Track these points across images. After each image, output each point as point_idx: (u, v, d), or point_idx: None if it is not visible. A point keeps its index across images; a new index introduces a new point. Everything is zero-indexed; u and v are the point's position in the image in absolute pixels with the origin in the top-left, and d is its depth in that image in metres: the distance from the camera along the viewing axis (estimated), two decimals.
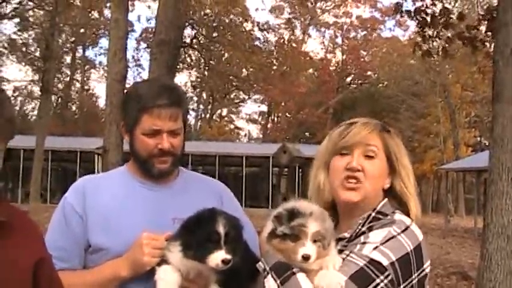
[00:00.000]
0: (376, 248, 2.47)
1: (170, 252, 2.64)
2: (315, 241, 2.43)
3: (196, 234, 2.56)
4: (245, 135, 76.18)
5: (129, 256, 2.75)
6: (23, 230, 2.41)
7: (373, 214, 2.65)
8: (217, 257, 2.51)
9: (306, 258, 2.41)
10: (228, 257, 2.51)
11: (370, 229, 2.58)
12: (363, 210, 2.67)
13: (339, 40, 65.58)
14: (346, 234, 2.66)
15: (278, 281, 2.41)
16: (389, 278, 2.42)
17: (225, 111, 72.75)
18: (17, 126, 2.44)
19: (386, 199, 2.70)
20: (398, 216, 2.63)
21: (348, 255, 2.50)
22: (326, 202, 2.76)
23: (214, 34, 41.84)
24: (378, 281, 2.40)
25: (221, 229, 2.55)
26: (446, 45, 14.06)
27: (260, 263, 2.54)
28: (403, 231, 2.54)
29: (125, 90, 3.45)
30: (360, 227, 2.63)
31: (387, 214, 2.64)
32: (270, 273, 2.45)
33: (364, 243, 2.52)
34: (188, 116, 3.11)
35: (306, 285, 2.41)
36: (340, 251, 2.57)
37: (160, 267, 2.63)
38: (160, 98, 2.90)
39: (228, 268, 2.52)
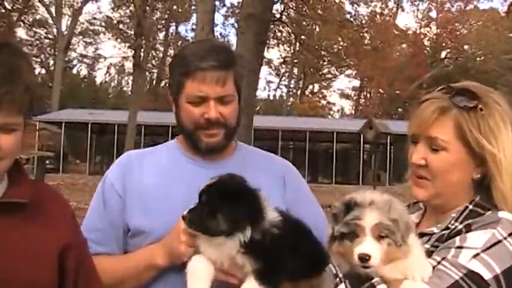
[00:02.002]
0: (476, 255, 2.04)
1: (199, 239, 2.38)
2: (380, 237, 2.01)
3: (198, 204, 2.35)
4: (338, 111, 75.46)
5: (166, 243, 2.50)
6: (49, 214, 2.25)
7: (471, 207, 2.23)
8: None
9: (363, 259, 1.98)
10: (185, 213, 2.29)
11: (468, 228, 2.14)
12: (446, 206, 2.28)
13: (433, 13, 63.51)
14: (435, 229, 2.25)
15: None
16: None
17: (316, 87, 72.15)
18: (36, 97, 2.23)
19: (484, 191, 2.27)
20: (505, 214, 2.17)
21: (439, 263, 2.08)
22: None
23: (304, 8, 41.15)
24: None
25: (201, 187, 2.33)
26: None
27: (331, 266, 2.16)
28: (511, 235, 2.09)
29: None
30: (453, 222, 2.21)
31: (489, 208, 2.20)
32: (344, 283, 2.07)
33: (460, 247, 2.08)
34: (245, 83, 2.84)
35: None
36: (429, 253, 2.15)
37: (192, 257, 2.37)
38: (205, 59, 2.58)
39: (267, 258, 2.24)
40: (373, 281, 2.02)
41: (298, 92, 68.55)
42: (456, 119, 2.21)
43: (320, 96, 72.63)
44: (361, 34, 52.10)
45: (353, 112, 70.07)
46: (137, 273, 2.56)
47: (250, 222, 2.26)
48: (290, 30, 48.09)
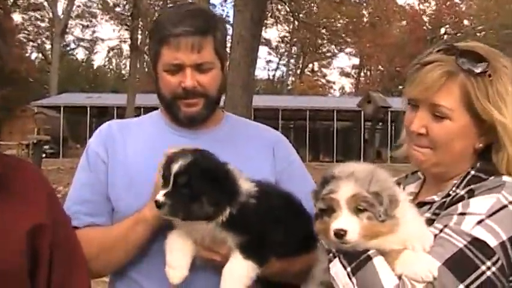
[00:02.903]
0: (480, 222, 1.89)
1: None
2: (359, 210, 1.87)
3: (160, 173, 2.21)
4: (339, 89, 75.41)
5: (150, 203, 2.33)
6: (20, 191, 2.10)
7: (473, 172, 2.07)
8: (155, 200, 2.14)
9: (339, 234, 1.86)
10: (159, 198, 2.11)
11: (470, 194, 1.98)
12: (447, 175, 2.11)
13: None
14: (436, 198, 2.09)
15: (348, 268, 1.90)
16: (499, 264, 1.84)
17: (316, 66, 71.99)
18: (8, 69, 2.09)
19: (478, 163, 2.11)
20: (509, 178, 2.01)
21: (441, 231, 1.92)
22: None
23: None
24: (483, 268, 1.83)
25: (173, 167, 2.15)
26: None
27: (323, 241, 2.01)
28: None
29: None
30: (454, 189, 2.04)
31: (492, 173, 2.03)
32: (338, 258, 1.93)
33: (463, 214, 1.93)
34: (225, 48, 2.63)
35: (385, 275, 1.87)
36: (430, 222, 1.99)
37: (169, 234, 2.27)
38: (179, 25, 2.43)
39: (249, 231, 2.15)
40: (369, 252, 1.91)
41: (298, 72, 68.33)
42: (463, 85, 2.03)
43: (320, 74, 72.64)
44: (360, 11, 51.94)
45: (353, 90, 69.96)
46: (126, 233, 2.40)
47: (229, 201, 2.16)
48: (288, 9, 47.85)
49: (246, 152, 2.39)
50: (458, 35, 61.02)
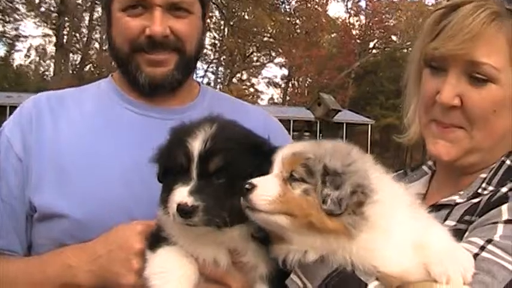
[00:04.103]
0: None
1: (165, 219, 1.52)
2: (293, 178, 1.37)
3: (161, 162, 1.50)
4: (268, 100, 75.63)
5: (100, 258, 1.64)
6: None
7: (508, 162, 1.53)
8: (174, 199, 1.41)
9: (246, 188, 1.36)
10: (187, 200, 1.38)
11: None
12: (477, 166, 1.57)
13: (362, 3, 64.80)
14: (458, 198, 1.52)
15: None
16: None
17: (245, 75, 72.05)
18: None
19: None
20: None
21: (483, 249, 1.36)
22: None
23: None
24: None
25: (194, 148, 1.42)
26: None
27: (292, 276, 1.44)
28: None
29: None
30: (484, 186, 1.49)
31: None
32: None
33: (510, 221, 1.38)
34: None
35: None
36: (457, 233, 1.43)
37: (155, 252, 1.52)
38: None
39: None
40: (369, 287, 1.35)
41: (227, 80, 68.19)
42: (509, 33, 1.50)
43: (248, 84, 72.78)
44: (293, 21, 52.30)
45: (281, 100, 70.56)
46: None
47: None
48: (219, 16, 47.43)
49: None
50: (387, 49, 62.79)
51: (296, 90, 69.80)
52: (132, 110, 1.89)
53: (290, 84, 71.22)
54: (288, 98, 68.27)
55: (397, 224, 1.38)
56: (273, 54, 64.77)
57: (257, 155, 1.49)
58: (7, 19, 59.16)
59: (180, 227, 1.50)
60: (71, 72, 52.04)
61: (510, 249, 1.36)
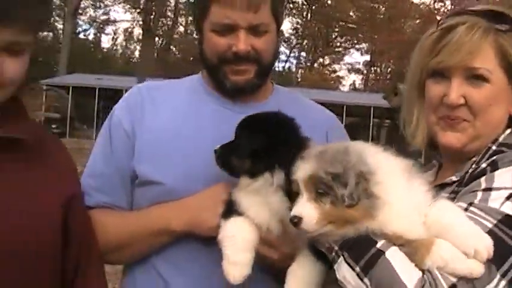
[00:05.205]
0: (509, 197, 1.71)
1: (241, 195, 1.97)
2: (320, 194, 1.66)
3: None
4: (350, 85, 74.93)
5: (191, 208, 2.08)
6: (52, 159, 1.95)
7: (494, 147, 1.87)
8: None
9: (293, 222, 1.66)
10: (217, 147, 1.98)
11: (494, 166, 1.82)
12: (477, 151, 1.89)
13: None
14: (454, 178, 1.87)
15: (357, 268, 1.64)
16: None
17: (327, 60, 71.61)
18: (51, 14, 1.99)
19: (509, 130, 1.93)
20: None
21: (466, 210, 1.68)
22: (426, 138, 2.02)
23: None
24: None
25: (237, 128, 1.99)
26: None
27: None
28: None
29: None
30: (474, 166, 1.83)
31: None
32: (343, 257, 1.67)
33: (488, 189, 1.71)
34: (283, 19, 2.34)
35: (403, 269, 1.60)
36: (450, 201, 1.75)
37: (228, 220, 1.95)
38: None
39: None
40: (378, 246, 1.66)
41: (308, 65, 67.99)
42: (498, 43, 1.87)
43: (330, 69, 72.23)
44: (376, 6, 51.53)
45: (362, 87, 69.66)
46: (146, 236, 2.17)
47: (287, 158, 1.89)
48: (302, 1, 47.49)
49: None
50: None
51: (378, 77, 68.81)
52: (215, 103, 2.29)
53: (372, 70, 70.48)
54: (370, 84, 67.44)
55: (400, 194, 1.69)
56: (355, 40, 64.10)
57: (286, 138, 1.95)
58: (98, 5, 61.31)
59: (245, 201, 1.96)
60: (156, 55, 53.31)
61: (486, 209, 1.67)
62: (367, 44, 63.51)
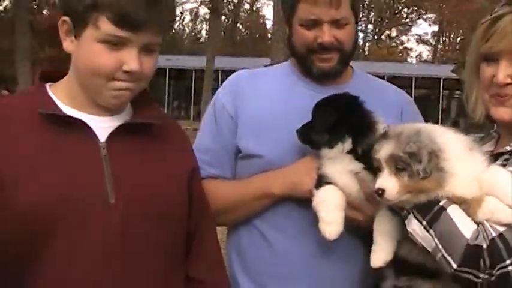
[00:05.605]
0: None
1: (330, 167, 2.32)
2: (398, 169, 2.00)
3: None
4: (416, 56, 73.58)
5: (288, 174, 2.44)
6: (173, 137, 2.29)
7: None
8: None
9: (378, 193, 2.00)
10: (299, 127, 2.35)
11: None
12: None
13: None
14: (508, 148, 2.17)
15: (424, 222, 1.98)
16: None
17: (394, 32, 70.50)
18: (175, 17, 2.27)
19: None
20: None
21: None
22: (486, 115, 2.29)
23: None
24: None
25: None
26: None
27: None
28: None
29: None
30: None
31: None
32: (412, 213, 2.02)
33: None
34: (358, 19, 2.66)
35: (462, 222, 1.93)
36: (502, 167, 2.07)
37: (319, 189, 2.31)
38: None
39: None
40: (441, 203, 1.98)
41: (375, 38, 67.07)
42: None
43: (398, 42, 71.06)
44: None
45: (431, 58, 68.27)
46: (250, 200, 2.51)
47: (362, 133, 2.28)
48: None
49: (374, 109, 2.36)
50: None
51: (447, 47, 67.31)
52: (305, 86, 2.60)
53: (441, 41, 69.01)
54: (438, 55, 66.08)
55: (463, 166, 2.00)
56: (423, 10, 62.74)
57: (345, 114, 2.30)
58: None
59: (329, 170, 2.32)
60: (223, 34, 53.65)
61: None
62: (435, 15, 62.10)
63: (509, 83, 2.15)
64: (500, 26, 2.15)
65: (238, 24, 67.52)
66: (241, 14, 67.90)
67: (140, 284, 2.03)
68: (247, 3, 68.54)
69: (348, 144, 2.27)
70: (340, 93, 2.39)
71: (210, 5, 36.37)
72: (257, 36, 66.67)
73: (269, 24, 68.25)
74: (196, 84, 41.09)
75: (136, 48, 1.97)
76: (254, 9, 69.88)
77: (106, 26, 1.91)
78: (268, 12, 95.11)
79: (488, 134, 2.42)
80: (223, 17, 40.52)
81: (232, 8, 63.33)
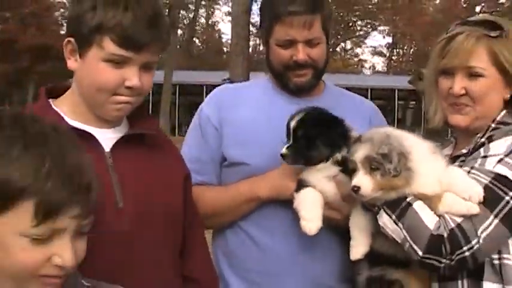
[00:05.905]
0: (500, 161, 2.25)
1: (310, 172, 2.52)
2: (372, 169, 2.23)
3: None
4: (369, 68, 74.52)
5: (271, 178, 2.63)
6: (165, 146, 2.44)
7: (493, 125, 2.44)
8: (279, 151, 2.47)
9: (354, 190, 2.23)
10: (283, 151, 2.46)
11: (490, 140, 2.36)
12: (481, 128, 2.46)
13: None
14: (464, 151, 2.45)
15: (393, 216, 2.23)
16: None
17: (349, 44, 71.32)
18: (170, 37, 2.43)
19: (504, 111, 2.47)
20: None
21: (468, 172, 2.27)
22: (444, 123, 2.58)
23: None
24: (507, 198, 2.18)
25: (291, 124, 2.48)
26: None
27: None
28: None
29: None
30: (478, 140, 2.41)
31: (510, 123, 2.42)
32: (383, 209, 2.27)
33: (485, 157, 2.30)
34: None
35: (426, 215, 2.21)
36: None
37: (299, 192, 2.51)
38: (291, 4, 2.63)
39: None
40: (408, 199, 2.23)
41: (330, 50, 67.57)
42: (489, 46, 2.41)
43: (352, 54, 71.86)
44: None
45: (385, 69, 69.24)
46: (238, 204, 2.68)
47: (344, 143, 2.45)
48: None
49: (345, 118, 2.54)
50: (494, 13, 59.71)
51: (401, 59, 68.39)
52: (283, 99, 2.80)
53: (395, 52, 70.10)
54: (392, 66, 67.00)
55: (427, 166, 2.25)
56: (376, 23, 63.68)
57: (323, 124, 2.46)
58: None
59: (311, 177, 2.50)
60: (179, 47, 53.47)
61: (483, 171, 2.23)
62: (389, 27, 63.03)
63: (463, 94, 2.44)
64: (453, 46, 2.44)
65: (194, 39, 67.48)
66: (197, 28, 67.87)
67: (149, 277, 2.19)
68: (203, 17, 68.62)
69: (337, 156, 2.47)
70: (310, 110, 2.55)
71: (168, 19, 36.31)
72: (213, 50, 66.84)
73: (225, 38, 68.65)
74: (154, 99, 40.95)
75: (137, 66, 2.13)
76: (210, 22, 70.06)
77: (110, 47, 2.07)
78: (223, 27, 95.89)
79: (447, 140, 2.71)
80: (179, 31, 40.51)
81: (188, 22, 63.27)
